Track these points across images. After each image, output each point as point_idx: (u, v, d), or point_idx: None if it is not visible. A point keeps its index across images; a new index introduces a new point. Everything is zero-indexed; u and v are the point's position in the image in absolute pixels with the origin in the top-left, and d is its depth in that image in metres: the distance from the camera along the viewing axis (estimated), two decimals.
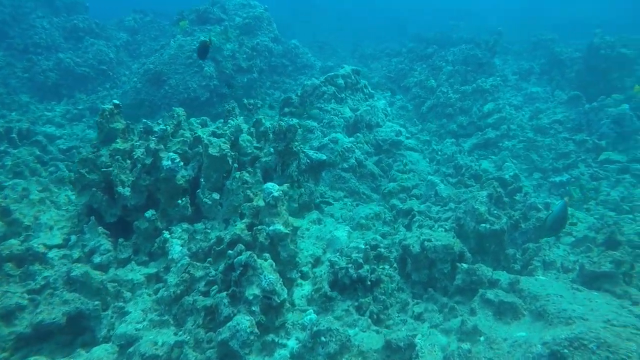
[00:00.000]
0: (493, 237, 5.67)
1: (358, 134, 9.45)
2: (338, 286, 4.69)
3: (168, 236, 5.33)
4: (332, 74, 10.64)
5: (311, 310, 4.45)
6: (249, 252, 4.26)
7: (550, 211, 5.93)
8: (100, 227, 5.42)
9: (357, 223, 6.63)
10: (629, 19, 23.81)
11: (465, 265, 4.77)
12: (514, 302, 4.26)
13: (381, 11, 38.13)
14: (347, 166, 8.20)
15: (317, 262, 5.54)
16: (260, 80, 14.43)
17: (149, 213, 5.48)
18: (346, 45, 23.92)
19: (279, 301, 4.19)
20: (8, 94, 12.91)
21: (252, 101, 8.61)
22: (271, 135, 6.82)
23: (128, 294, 4.78)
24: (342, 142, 8.51)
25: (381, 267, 4.96)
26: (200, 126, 7.29)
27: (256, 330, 3.91)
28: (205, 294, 4.62)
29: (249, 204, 5.31)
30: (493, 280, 4.71)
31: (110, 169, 5.81)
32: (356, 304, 4.50)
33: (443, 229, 6.09)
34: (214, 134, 6.71)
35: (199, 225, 5.67)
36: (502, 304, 4.29)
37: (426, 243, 4.93)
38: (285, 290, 4.36)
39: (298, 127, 6.74)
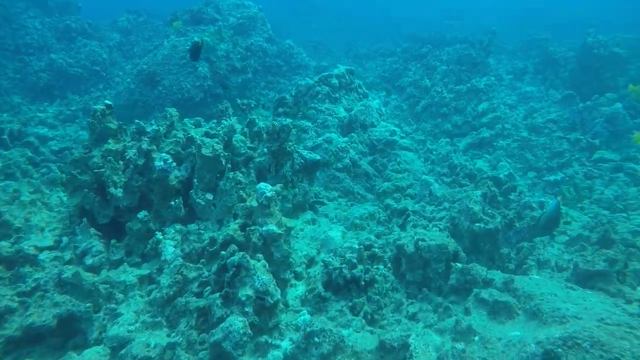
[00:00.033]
0: (487, 236, 5.66)
1: (352, 134, 9.43)
2: (332, 286, 4.67)
3: (161, 237, 5.29)
4: (326, 73, 10.62)
5: (305, 311, 4.42)
6: (241, 253, 4.23)
7: (544, 211, 5.93)
8: (92, 229, 5.37)
9: (351, 223, 6.61)
10: (629, 19, 23.95)
11: (459, 265, 4.76)
12: (508, 301, 4.25)
13: (380, 11, 38.17)
14: (341, 166, 8.18)
15: (311, 262, 5.51)
16: (255, 80, 14.38)
17: (142, 214, 5.44)
18: (341, 45, 23.93)
19: (272, 302, 4.16)
20: None
21: (245, 101, 8.57)
22: (265, 135, 6.79)
23: (120, 296, 4.74)
24: (336, 142, 8.49)
25: (375, 267, 4.95)
26: (193, 127, 7.25)
27: (249, 331, 3.88)
28: (198, 295, 4.59)
29: (242, 204, 5.28)
30: (487, 280, 4.70)
31: (103, 170, 5.76)
32: (350, 304, 4.48)
33: (437, 229, 6.08)
34: (207, 135, 6.67)
35: (193, 226, 5.63)
36: (496, 304, 4.28)
37: (420, 243, 4.91)
38: (279, 291, 4.33)
39: (292, 127, 6.72)
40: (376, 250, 5.17)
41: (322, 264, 4.89)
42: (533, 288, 4.39)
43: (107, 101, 6.46)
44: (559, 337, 3.28)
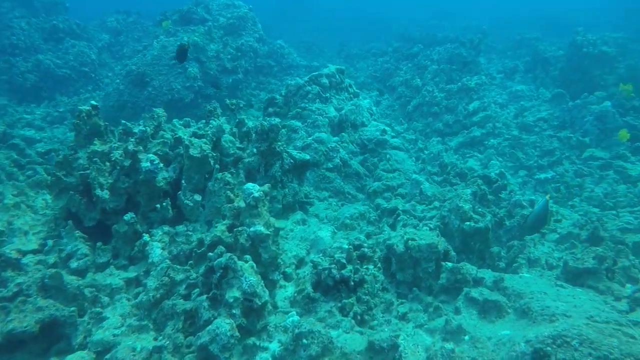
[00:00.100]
0: (477, 235, 5.65)
1: (343, 134, 9.39)
2: (321, 287, 4.62)
3: (148, 239, 5.21)
4: (316, 73, 10.57)
5: (294, 312, 4.37)
6: (229, 254, 4.17)
7: (532, 210, 5.93)
8: (77, 231, 5.27)
9: (341, 223, 6.57)
10: (618, 19, 24.15)
11: (449, 264, 4.73)
12: (498, 300, 4.22)
13: (369, 11, 38.18)
14: (331, 166, 8.13)
15: (300, 263, 5.46)
16: (246, 81, 14.30)
17: (128, 216, 5.35)
18: (333, 45, 23.89)
19: (260, 303, 4.10)
20: None
21: (234, 101, 8.49)
22: (254, 135, 6.73)
23: (106, 299, 4.66)
24: (326, 141, 8.44)
25: (365, 267, 4.90)
26: (182, 127, 7.17)
27: (237, 333, 3.82)
28: (186, 297, 4.52)
29: (229, 205, 5.21)
30: (478, 279, 4.67)
31: (88, 171, 5.66)
32: (339, 305, 4.43)
33: (428, 228, 6.05)
34: (195, 135, 6.59)
35: (181, 228, 5.56)
36: (486, 303, 4.25)
37: (410, 242, 4.87)
38: (267, 292, 4.28)
39: (281, 126, 6.66)
40: (366, 250, 5.13)
41: (311, 264, 4.84)
42: (523, 286, 4.38)
43: (92, 102, 6.37)
44: (548, 335, 3.25)
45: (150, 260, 4.99)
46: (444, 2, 35.37)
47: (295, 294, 4.75)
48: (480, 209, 6.21)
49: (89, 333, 4.19)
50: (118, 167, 5.70)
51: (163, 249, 5.19)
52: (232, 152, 6.58)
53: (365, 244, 5.39)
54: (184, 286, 4.64)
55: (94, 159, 5.75)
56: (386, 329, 4.17)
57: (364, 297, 4.53)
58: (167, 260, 4.95)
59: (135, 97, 12.45)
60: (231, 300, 4.00)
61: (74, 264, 4.98)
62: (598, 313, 3.59)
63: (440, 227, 6.03)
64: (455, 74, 13.94)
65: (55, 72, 14.34)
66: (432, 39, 18.31)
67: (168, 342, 4.01)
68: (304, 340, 3.72)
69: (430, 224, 6.33)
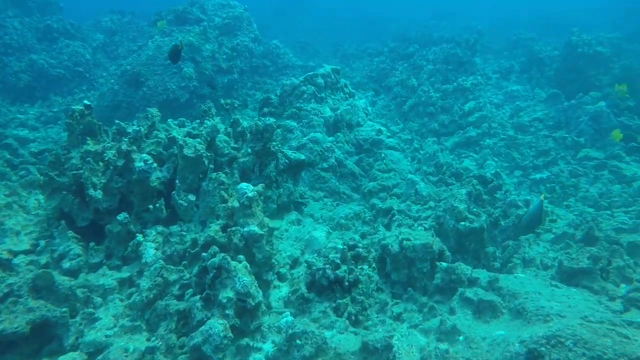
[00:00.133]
0: (472, 235, 5.64)
1: (338, 134, 9.37)
2: (315, 287, 4.59)
3: (141, 239, 5.17)
4: (312, 73, 10.54)
5: (287, 313, 4.35)
6: (222, 255, 4.14)
7: (527, 209, 5.94)
8: (70, 232, 5.23)
9: (336, 223, 6.54)
10: (612, 19, 24.24)
11: (444, 264, 4.72)
12: (493, 300, 4.21)
13: (369, 11, 38.16)
14: (327, 166, 8.11)
15: (295, 263, 5.44)
16: (242, 81, 14.26)
17: (121, 216, 5.31)
18: (328, 45, 23.87)
19: (253, 304, 4.08)
20: None
21: (229, 101, 8.46)
22: (248, 135, 6.70)
23: (99, 300, 4.62)
24: (322, 141, 8.42)
25: (360, 267, 4.88)
26: (177, 127, 7.13)
27: (230, 334, 3.79)
28: (179, 297, 4.49)
29: (223, 205, 5.18)
30: (472, 279, 4.66)
31: (81, 171, 5.61)
32: (334, 305, 4.41)
33: (422, 228, 6.04)
34: (189, 135, 6.55)
35: (175, 228, 5.52)
36: (481, 303, 4.24)
37: (405, 242, 4.85)
38: (261, 293, 4.25)
39: (275, 126, 6.63)
40: (360, 250, 5.11)
41: (305, 264, 4.81)
42: (518, 287, 4.37)
43: (85, 101, 6.32)
44: (542, 335, 3.24)
45: (143, 261, 4.96)
46: (444, 2, 35.38)
47: (290, 294, 4.72)
48: (475, 209, 6.20)
49: (81, 334, 4.15)
50: (111, 167, 5.66)
51: (156, 249, 5.15)
52: (227, 152, 6.55)
53: (360, 244, 5.38)
54: (177, 286, 4.60)
55: (87, 159, 5.71)
56: (380, 330, 4.16)
57: (358, 297, 4.51)
58: (160, 261, 4.91)
59: (130, 97, 12.38)
60: (224, 300, 3.97)
61: (66, 264, 4.94)
62: (592, 313, 3.58)
63: (435, 227, 6.02)
64: (451, 74, 13.94)
65: (49, 72, 14.25)
66: (428, 39, 18.33)
67: (161, 342, 3.98)
68: (297, 340, 3.69)
69: (425, 224, 6.32)
